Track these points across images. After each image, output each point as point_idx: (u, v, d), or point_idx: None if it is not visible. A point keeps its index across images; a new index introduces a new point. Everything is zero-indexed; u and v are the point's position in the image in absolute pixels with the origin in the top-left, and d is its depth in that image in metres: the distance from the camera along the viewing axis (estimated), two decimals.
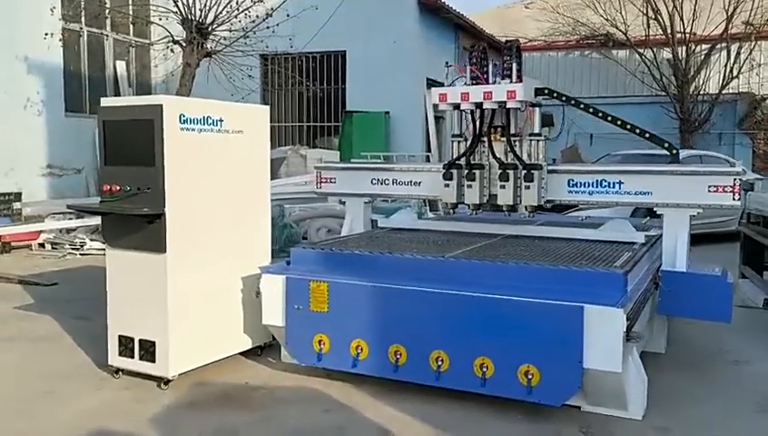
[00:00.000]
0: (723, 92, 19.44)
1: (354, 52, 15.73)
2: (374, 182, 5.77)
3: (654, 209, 4.85)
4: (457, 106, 4.96)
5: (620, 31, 20.50)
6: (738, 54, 19.28)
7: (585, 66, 22.61)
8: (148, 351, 4.35)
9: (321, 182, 6.00)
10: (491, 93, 4.75)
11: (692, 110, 19.45)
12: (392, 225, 5.95)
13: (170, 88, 15.74)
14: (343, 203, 11.23)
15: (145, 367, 4.37)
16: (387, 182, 5.73)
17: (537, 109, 4.95)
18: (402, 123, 15.46)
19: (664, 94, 19.57)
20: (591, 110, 5.25)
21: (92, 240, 10.10)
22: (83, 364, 4.85)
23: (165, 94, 14.71)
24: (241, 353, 4.88)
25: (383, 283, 4.21)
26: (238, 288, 4.77)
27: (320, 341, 4.37)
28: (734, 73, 19.34)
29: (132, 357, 4.41)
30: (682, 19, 19.39)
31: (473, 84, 4.88)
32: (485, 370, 3.89)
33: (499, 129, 4.99)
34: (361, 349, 4.24)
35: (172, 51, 12.32)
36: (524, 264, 4.14)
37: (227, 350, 4.73)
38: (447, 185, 5.11)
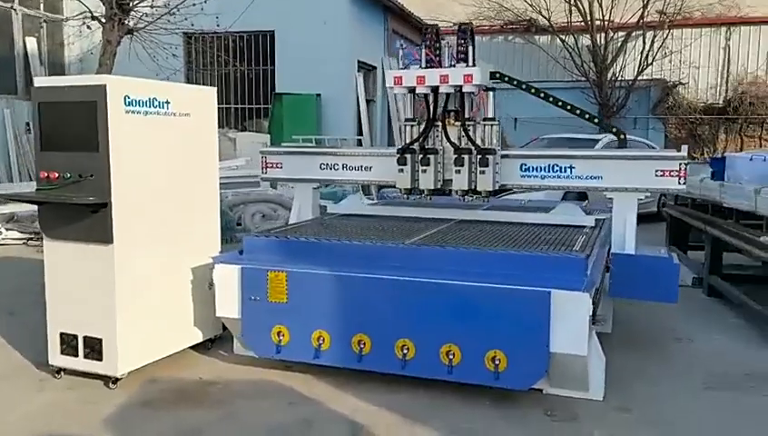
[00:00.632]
0: (639, 78, 20.24)
1: (283, 32, 15.35)
2: (323, 167, 5.62)
3: (604, 193, 4.95)
4: (412, 90, 4.88)
5: (543, 17, 20.96)
6: (653, 42, 20.09)
7: (508, 51, 23.01)
8: (94, 348, 4.07)
9: (267, 167, 5.80)
10: (448, 76, 4.69)
11: (610, 95, 20.16)
12: (341, 211, 5.83)
13: (85, 67, 14.90)
14: (275, 187, 11.10)
15: (92, 366, 4.10)
16: (336, 167, 5.59)
17: (491, 93, 4.94)
18: (333, 106, 15.25)
19: (584, 79, 20.16)
20: (542, 95, 5.31)
21: (7, 229, 9.43)
22: (19, 364, 4.50)
23: (80, 73, 13.96)
24: (192, 347, 4.66)
25: (345, 272, 4.10)
26: (188, 279, 4.54)
27: (278, 333, 4.21)
28: (649, 60, 20.14)
29: (77, 355, 4.12)
30: (601, 6, 19.99)
31: (427, 68, 4.81)
32: (451, 357, 3.86)
33: (453, 113, 4.95)
34: (323, 339, 4.12)
35: (88, 27, 11.62)
36: (488, 250, 4.13)
37: (178, 344, 4.51)
38: (401, 170, 5.03)
